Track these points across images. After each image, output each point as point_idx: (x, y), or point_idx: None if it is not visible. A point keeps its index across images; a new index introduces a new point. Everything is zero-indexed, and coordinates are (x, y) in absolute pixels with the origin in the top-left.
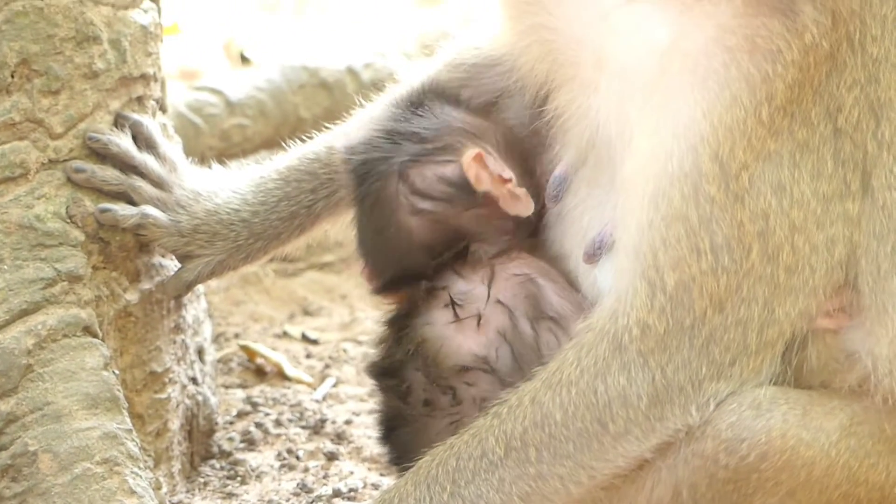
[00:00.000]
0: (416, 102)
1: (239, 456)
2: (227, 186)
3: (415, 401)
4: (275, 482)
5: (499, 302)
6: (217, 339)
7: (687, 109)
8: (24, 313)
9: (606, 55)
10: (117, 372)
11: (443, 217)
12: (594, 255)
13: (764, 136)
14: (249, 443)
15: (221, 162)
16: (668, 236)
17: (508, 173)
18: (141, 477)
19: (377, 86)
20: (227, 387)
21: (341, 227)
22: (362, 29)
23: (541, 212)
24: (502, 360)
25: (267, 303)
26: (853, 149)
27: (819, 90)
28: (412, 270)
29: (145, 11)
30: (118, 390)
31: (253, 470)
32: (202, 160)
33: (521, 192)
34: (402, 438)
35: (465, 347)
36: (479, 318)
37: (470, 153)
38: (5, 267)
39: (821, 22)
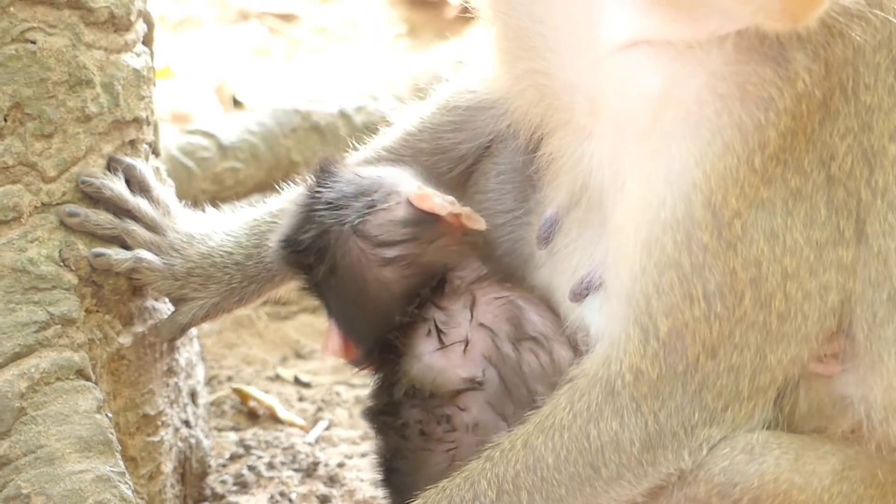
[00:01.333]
0: (324, 173)
1: (232, 499)
2: (220, 229)
3: (412, 433)
4: None
5: (481, 325)
6: (210, 381)
7: (680, 157)
8: (17, 356)
9: (600, 102)
10: (110, 415)
11: (413, 257)
12: (580, 293)
13: (757, 184)
14: (242, 485)
15: (214, 205)
16: (661, 283)
17: (450, 197)
18: None
19: (369, 129)
20: (219, 429)
21: None
22: (354, 72)
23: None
24: (490, 382)
25: (260, 346)
26: (846, 196)
27: (812, 138)
28: (394, 323)
29: (138, 55)
30: (111, 433)
31: None
32: (195, 203)
33: (468, 210)
34: (402, 476)
35: (454, 372)
36: (466, 343)
37: (412, 188)
38: None
39: (813, 70)
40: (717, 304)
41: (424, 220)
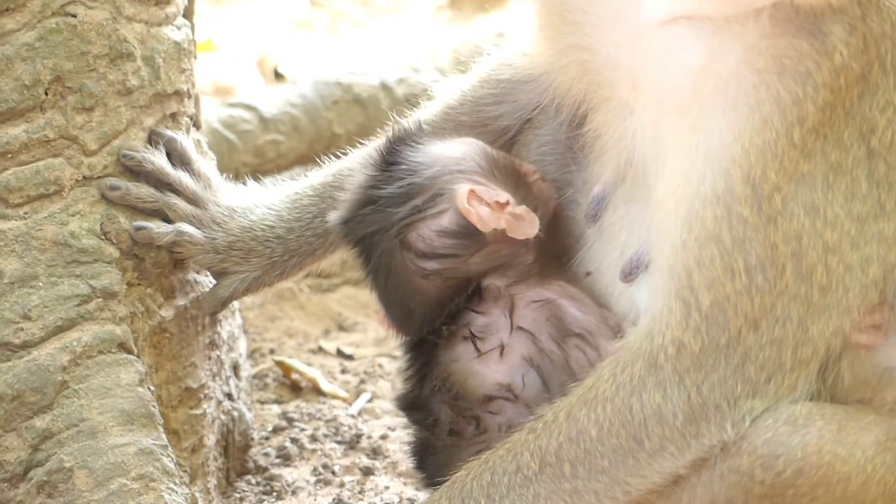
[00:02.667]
0: (388, 157)
1: (275, 471)
2: (261, 203)
3: (441, 432)
4: (311, 497)
5: (521, 329)
6: (252, 354)
7: (719, 131)
8: (59, 330)
9: (641, 77)
10: (152, 388)
11: (454, 271)
12: (631, 273)
13: (796, 158)
14: (285, 458)
15: (256, 178)
16: (702, 257)
17: (504, 196)
18: (177, 493)
19: (411, 101)
20: (262, 402)
21: None
22: (395, 45)
23: (557, 229)
24: (529, 387)
25: (302, 318)
26: (887, 170)
27: (851, 112)
28: (433, 322)
29: (178, 28)
30: (154, 406)
31: (289, 485)
32: (236, 176)
33: (522, 209)
34: (433, 467)
35: (489, 378)
36: (502, 348)
37: (462, 194)
38: (40, 284)
39: (850, 43)
40: (758, 277)
41: (469, 233)
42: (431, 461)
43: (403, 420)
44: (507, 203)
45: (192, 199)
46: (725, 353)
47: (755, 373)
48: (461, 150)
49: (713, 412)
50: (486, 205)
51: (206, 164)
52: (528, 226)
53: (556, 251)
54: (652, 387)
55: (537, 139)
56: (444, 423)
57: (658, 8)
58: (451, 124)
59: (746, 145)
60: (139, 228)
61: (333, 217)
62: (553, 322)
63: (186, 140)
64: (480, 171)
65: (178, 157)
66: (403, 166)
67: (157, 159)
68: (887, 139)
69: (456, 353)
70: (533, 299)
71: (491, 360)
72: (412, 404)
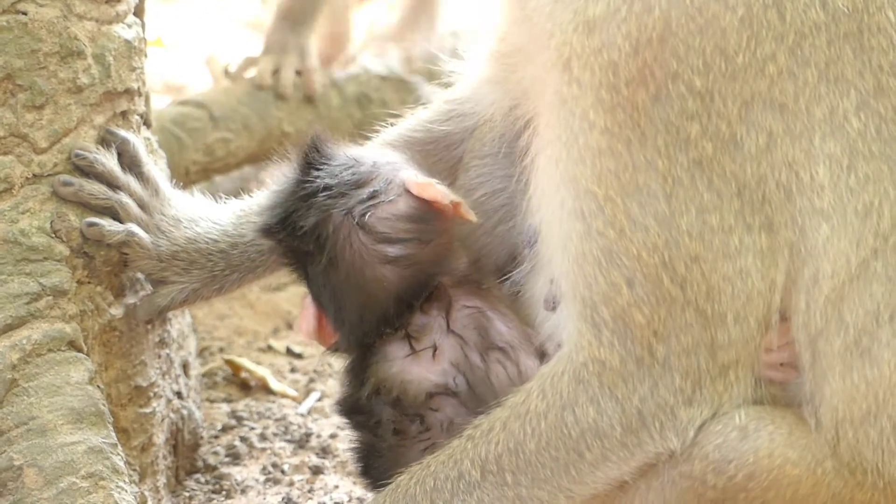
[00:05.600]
0: (316, 155)
1: (224, 470)
2: (207, 216)
3: (385, 432)
4: (260, 496)
5: (453, 332)
6: (202, 353)
7: (560, 151)
8: (8, 328)
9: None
10: (102, 386)
11: (414, 258)
12: (553, 302)
13: (628, 169)
14: (234, 457)
15: (206, 176)
16: (586, 274)
17: (444, 184)
18: (126, 491)
19: (360, 100)
20: (211, 401)
21: None
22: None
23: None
24: (461, 388)
25: (251, 317)
26: (723, 182)
27: (651, 118)
28: (384, 320)
29: (129, 26)
30: (103, 405)
31: (238, 484)
32: (186, 174)
33: (459, 198)
34: (378, 471)
35: (424, 377)
36: (435, 349)
37: (411, 178)
38: None
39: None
40: (638, 289)
41: (426, 216)
42: (377, 465)
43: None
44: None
45: (140, 204)
46: (647, 363)
47: (681, 381)
48: (393, 153)
49: (651, 421)
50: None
51: (156, 169)
52: (471, 212)
53: (484, 272)
54: (584, 402)
55: (483, 149)
56: (386, 423)
57: None
58: (403, 141)
59: (585, 159)
60: (91, 224)
61: (260, 224)
62: (480, 332)
63: (139, 142)
64: (417, 167)
65: (128, 160)
66: (340, 160)
67: (109, 162)
68: (709, 151)
69: (391, 351)
70: (466, 304)
71: (424, 359)
72: (353, 407)
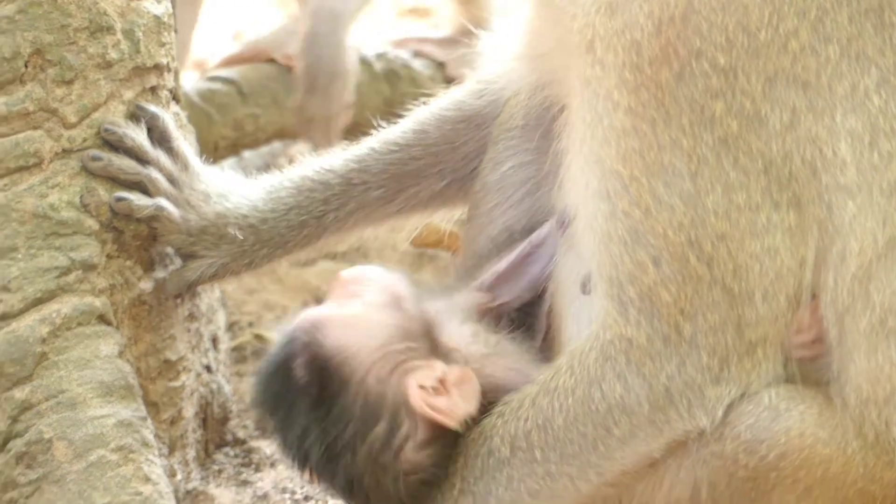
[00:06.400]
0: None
1: (253, 444)
2: (237, 191)
3: None
4: (289, 469)
5: None
6: (231, 327)
7: (585, 133)
8: (38, 302)
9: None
10: (132, 360)
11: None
12: (587, 285)
13: (653, 149)
14: (264, 430)
15: (235, 152)
16: (612, 254)
17: (437, 366)
18: (156, 464)
19: (389, 77)
20: (241, 375)
21: (347, 243)
22: (374, 20)
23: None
24: None
25: (280, 292)
26: (749, 160)
27: (676, 97)
28: None
29: (158, 2)
30: (133, 378)
31: (267, 457)
32: (215, 149)
33: (458, 371)
34: None
35: None
36: None
37: (416, 400)
38: (20, 256)
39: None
40: (664, 267)
41: (442, 430)
42: None
43: None
44: (445, 373)
45: (169, 179)
46: (674, 342)
47: (708, 359)
48: (362, 325)
49: (679, 399)
50: (438, 392)
51: (185, 144)
52: (472, 390)
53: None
54: (611, 378)
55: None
56: None
57: None
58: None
59: (610, 140)
60: (119, 199)
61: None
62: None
63: (169, 118)
64: (397, 336)
65: (158, 135)
66: (331, 394)
67: (138, 137)
68: (734, 129)
69: None
70: None
71: None
72: None
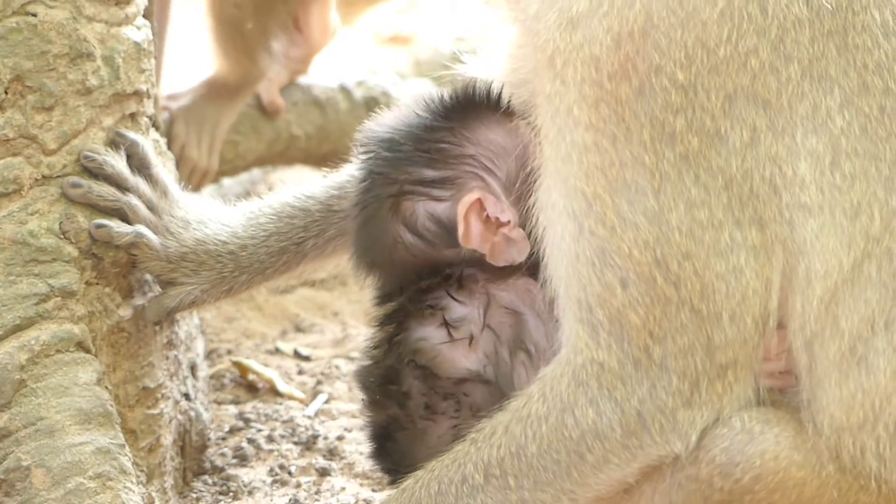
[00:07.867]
0: (448, 111)
1: (231, 471)
2: (217, 218)
3: (414, 405)
4: (267, 498)
5: (489, 327)
6: (209, 355)
7: (561, 146)
8: (17, 329)
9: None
10: (110, 387)
11: (423, 253)
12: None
13: (615, 166)
14: (242, 458)
15: (214, 179)
16: (581, 275)
17: (507, 215)
18: (134, 492)
19: (369, 104)
20: (219, 403)
21: (326, 270)
22: (354, 48)
23: None
24: (490, 378)
25: (259, 319)
26: (709, 177)
27: (636, 112)
28: (398, 289)
29: (138, 28)
30: (111, 405)
31: (245, 485)
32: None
33: (518, 234)
34: (399, 446)
35: (458, 363)
36: (471, 339)
37: (467, 201)
38: None
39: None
40: (632, 289)
41: (454, 231)
42: (398, 439)
43: (360, 421)
44: (507, 223)
45: (149, 206)
46: (644, 365)
47: (678, 382)
48: (505, 144)
49: (651, 423)
50: (483, 220)
51: (165, 171)
52: (517, 251)
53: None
54: (584, 403)
55: None
56: (417, 398)
57: None
58: None
59: (572, 156)
60: (99, 226)
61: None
62: (514, 330)
63: (148, 144)
64: (503, 180)
65: (138, 162)
66: (446, 130)
67: (118, 164)
68: (694, 145)
69: (427, 332)
70: (505, 305)
71: (460, 346)
72: (381, 376)
